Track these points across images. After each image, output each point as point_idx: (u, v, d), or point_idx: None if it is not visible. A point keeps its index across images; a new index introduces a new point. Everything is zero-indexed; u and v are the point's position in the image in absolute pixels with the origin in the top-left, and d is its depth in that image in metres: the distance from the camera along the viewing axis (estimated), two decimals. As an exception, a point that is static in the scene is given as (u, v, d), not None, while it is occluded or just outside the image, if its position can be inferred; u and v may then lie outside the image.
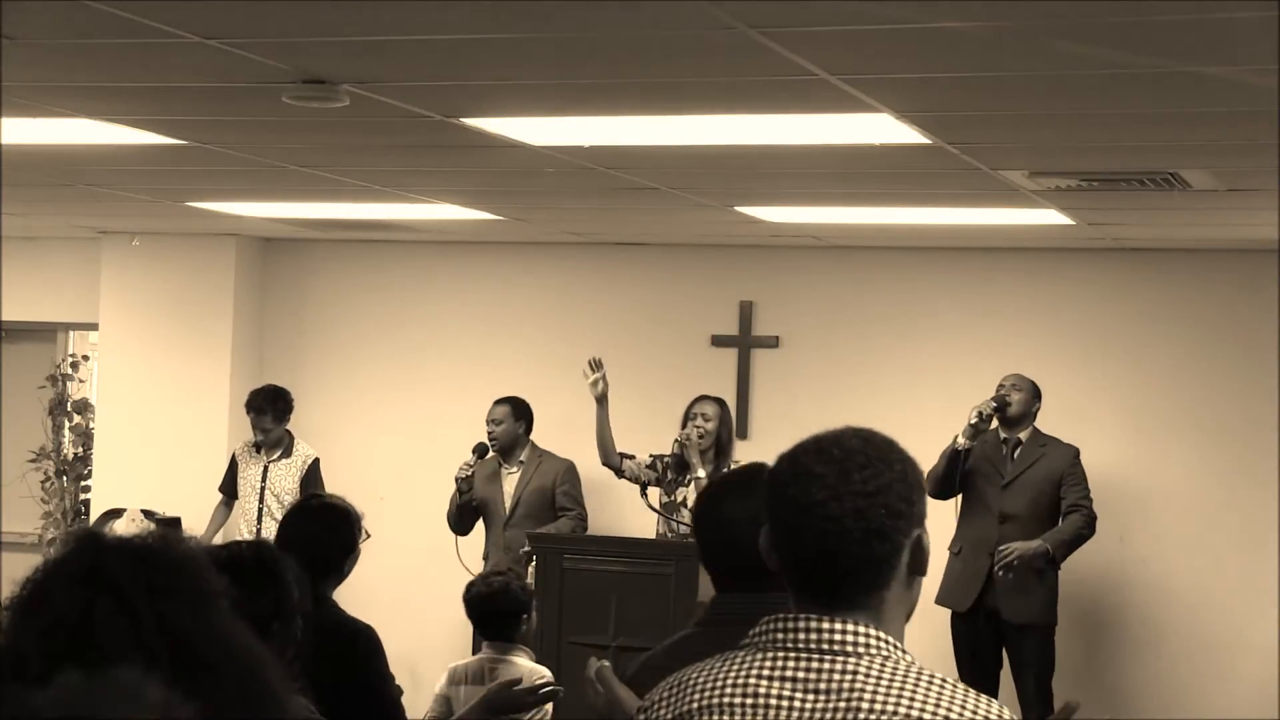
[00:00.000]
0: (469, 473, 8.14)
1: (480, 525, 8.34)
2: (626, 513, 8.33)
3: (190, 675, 1.68)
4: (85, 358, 10.25)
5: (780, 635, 2.10)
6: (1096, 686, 8.05)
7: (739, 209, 7.36)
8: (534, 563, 7.08)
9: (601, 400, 7.91)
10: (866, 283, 8.73)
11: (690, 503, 7.58)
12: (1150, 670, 8.22)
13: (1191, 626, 8.19)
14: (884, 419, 9.32)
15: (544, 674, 5.29)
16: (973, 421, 7.46)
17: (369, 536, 4.61)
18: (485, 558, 8.16)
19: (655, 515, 7.67)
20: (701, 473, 7.54)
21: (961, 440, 7.48)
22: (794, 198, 7.09)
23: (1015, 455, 7.59)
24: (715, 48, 4.13)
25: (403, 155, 6.20)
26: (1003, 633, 7.49)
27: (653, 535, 7.78)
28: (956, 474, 7.47)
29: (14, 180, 7.07)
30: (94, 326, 9.81)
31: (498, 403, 8.38)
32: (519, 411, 8.34)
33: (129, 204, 8.06)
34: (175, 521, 8.71)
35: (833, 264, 8.78)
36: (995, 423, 7.58)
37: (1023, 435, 7.63)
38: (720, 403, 7.86)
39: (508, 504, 8.20)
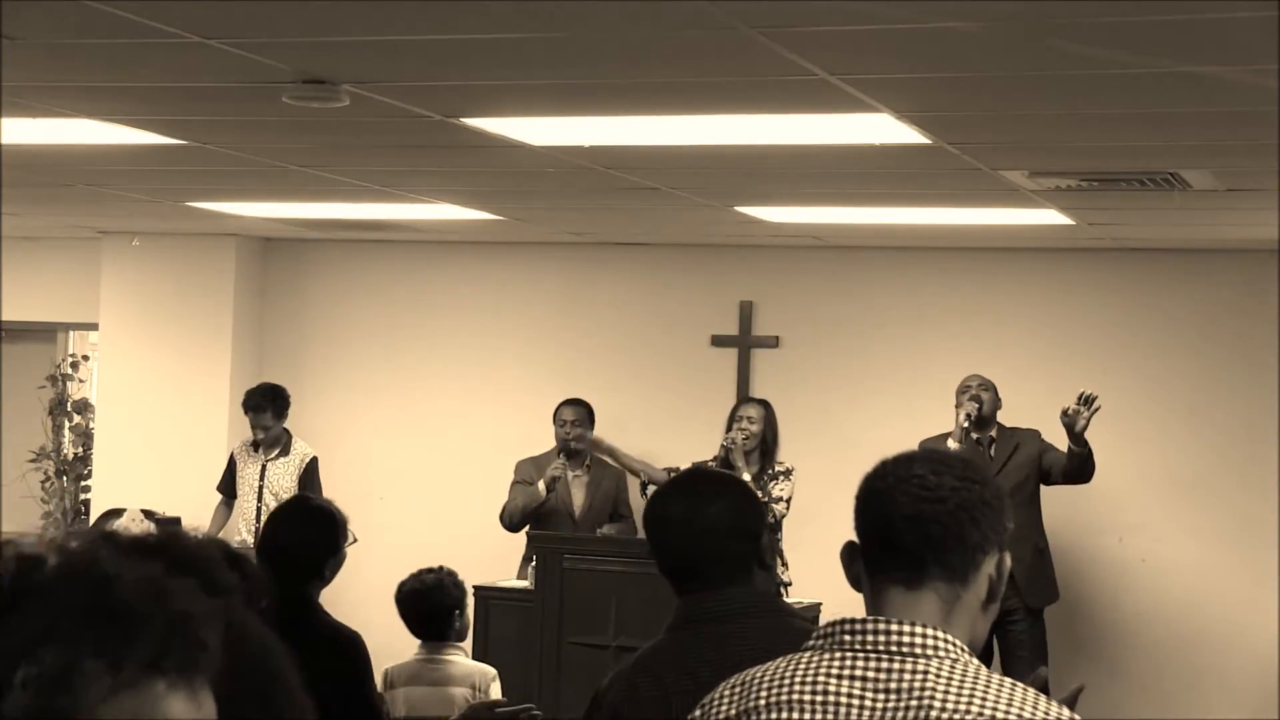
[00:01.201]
0: (562, 473, 8.11)
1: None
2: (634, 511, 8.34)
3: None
4: (85, 358, 10.25)
5: (848, 637, 2.08)
6: (1096, 686, 8.05)
7: (739, 209, 7.36)
8: (533, 562, 7.08)
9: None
10: (866, 283, 8.73)
11: None
12: (1150, 670, 8.22)
13: (1191, 626, 8.19)
14: (884, 418, 9.30)
15: (487, 672, 5.26)
16: (964, 425, 7.53)
17: (355, 540, 4.57)
18: (530, 558, 8.14)
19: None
20: (747, 476, 7.53)
21: (953, 444, 7.51)
22: (794, 198, 7.09)
23: (993, 451, 7.66)
24: (715, 48, 4.13)
25: (403, 155, 6.20)
26: (999, 625, 7.52)
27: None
28: None
29: (14, 180, 7.07)
30: (94, 326, 9.81)
31: (570, 404, 8.32)
32: (591, 414, 8.33)
33: (129, 204, 8.06)
34: (175, 521, 8.69)
35: (833, 264, 8.78)
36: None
37: (992, 433, 7.74)
38: (765, 404, 7.85)
39: (579, 508, 8.18)
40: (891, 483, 2.12)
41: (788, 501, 7.50)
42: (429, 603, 5.30)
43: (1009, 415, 7.79)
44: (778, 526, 7.52)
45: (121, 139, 5.84)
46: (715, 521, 3.02)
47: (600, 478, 8.27)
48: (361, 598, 7.12)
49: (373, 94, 4.81)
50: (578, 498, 8.21)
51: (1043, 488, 7.71)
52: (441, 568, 5.51)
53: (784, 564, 7.51)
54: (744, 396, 8.10)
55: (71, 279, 9.91)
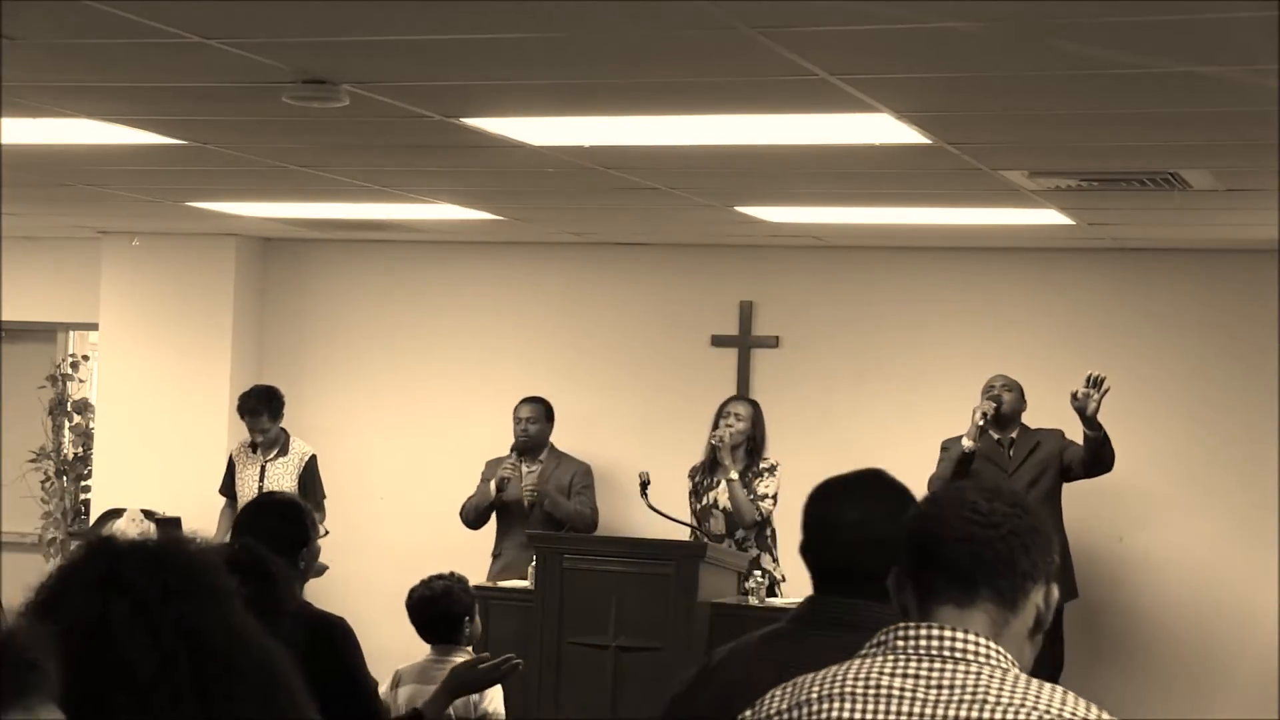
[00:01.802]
0: (512, 473, 8.13)
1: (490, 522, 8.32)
2: (630, 512, 8.34)
3: (209, 674, 1.68)
4: (85, 358, 10.25)
5: (901, 642, 2.14)
6: (1095, 686, 8.05)
7: (739, 209, 7.36)
8: (534, 562, 7.08)
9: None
10: (866, 283, 8.73)
11: (721, 504, 7.57)
12: (1150, 670, 8.22)
13: (1191, 626, 8.19)
14: (884, 419, 9.28)
15: None
16: (979, 423, 7.48)
17: (326, 533, 4.53)
18: (497, 555, 8.15)
19: (656, 515, 7.66)
20: (734, 474, 7.53)
21: (968, 442, 7.48)
22: (794, 198, 7.09)
23: (1012, 451, 7.63)
24: (715, 48, 4.13)
25: (403, 155, 6.20)
26: None
27: (652, 535, 7.76)
28: (965, 475, 7.48)
29: (14, 180, 7.07)
30: (94, 326, 9.81)
31: (528, 401, 8.37)
32: (549, 412, 8.36)
33: (129, 204, 8.06)
34: (175, 521, 8.70)
35: (833, 264, 8.78)
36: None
37: (1014, 434, 7.69)
38: (753, 403, 7.85)
39: (526, 498, 8.19)
40: (944, 508, 2.18)
41: (774, 498, 7.50)
42: (439, 609, 5.28)
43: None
44: (766, 523, 7.52)
45: (121, 139, 5.84)
46: (879, 533, 2.84)
47: (552, 470, 8.28)
48: (362, 597, 7.13)
49: (373, 94, 4.81)
50: (527, 484, 8.21)
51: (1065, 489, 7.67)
52: (451, 574, 5.50)
53: (775, 560, 7.50)
54: (734, 395, 8.08)
55: (71, 279, 9.91)
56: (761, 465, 7.61)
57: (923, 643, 2.11)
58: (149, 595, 1.71)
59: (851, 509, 2.93)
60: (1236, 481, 8.16)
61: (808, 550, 2.99)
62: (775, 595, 7.19)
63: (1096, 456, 7.44)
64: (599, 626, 6.71)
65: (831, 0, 3.66)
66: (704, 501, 7.66)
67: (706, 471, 7.72)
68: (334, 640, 4.14)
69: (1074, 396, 7.32)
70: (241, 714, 1.70)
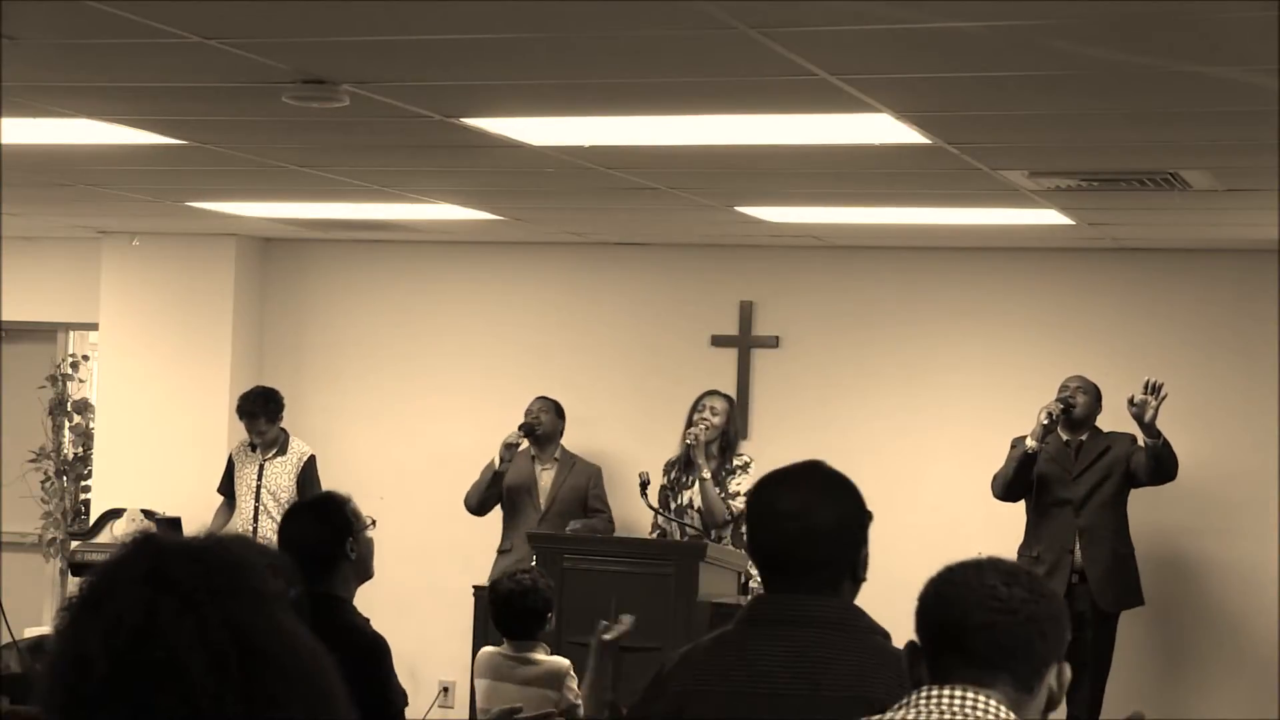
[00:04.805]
0: (518, 442, 8.11)
1: (493, 514, 8.31)
2: (631, 512, 8.34)
3: (258, 675, 1.67)
4: (85, 358, 10.25)
5: (924, 703, 2.21)
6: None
7: (739, 209, 7.36)
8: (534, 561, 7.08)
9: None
10: (866, 283, 8.73)
11: (696, 503, 7.57)
12: (1150, 670, 8.22)
13: (1190, 626, 8.19)
14: (884, 419, 9.26)
15: (561, 664, 5.29)
16: (1044, 423, 7.40)
17: (374, 523, 4.53)
18: (505, 550, 8.14)
19: (650, 513, 7.66)
20: (707, 473, 7.51)
21: (1031, 443, 7.40)
22: (794, 198, 7.09)
23: (1078, 454, 7.57)
24: (715, 48, 4.13)
25: (403, 155, 6.20)
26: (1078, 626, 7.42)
27: (652, 535, 7.76)
28: (1028, 477, 7.45)
29: (14, 180, 7.07)
30: (94, 326, 9.81)
31: (539, 399, 8.42)
32: (559, 410, 8.40)
33: (129, 204, 8.06)
34: (175, 521, 8.70)
35: (833, 264, 8.78)
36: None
37: (1084, 437, 7.61)
38: (728, 398, 7.85)
39: (544, 498, 8.20)
40: (963, 591, 2.23)
41: (745, 496, 7.48)
42: (525, 604, 5.29)
43: (1018, 416, 7.78)
44: (739, 522, 7.50)
45: (121, 139, 5.84)
46: (820, 523, 2.89)
47: (569, 469, 8.29)
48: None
49: (373, 94, 4.82)
50: (544, 484, 8.23)
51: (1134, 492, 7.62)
52: (534, 568, 5.55)
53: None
54: (709, 390, 8.05)
55: (71, 279, 9.91)
56: (735, 463, 7.61)
57: (945, 702, 2.17)
58: (197, 592, 1.70)
59: (788, 499, 2.93)
60: (1235, 481, 8.16)
61: (751, 543, 3.01)
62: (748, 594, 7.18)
63: (1159, 463, 7.38)
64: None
65: (831, 0, 3.66)
66: (679, 501, 7.65)
67: (682, 469, 7.72)
68: (369, 657, 4.16)
69: (1130, 402, 7.27)
70: (287, 717, 1.69)
